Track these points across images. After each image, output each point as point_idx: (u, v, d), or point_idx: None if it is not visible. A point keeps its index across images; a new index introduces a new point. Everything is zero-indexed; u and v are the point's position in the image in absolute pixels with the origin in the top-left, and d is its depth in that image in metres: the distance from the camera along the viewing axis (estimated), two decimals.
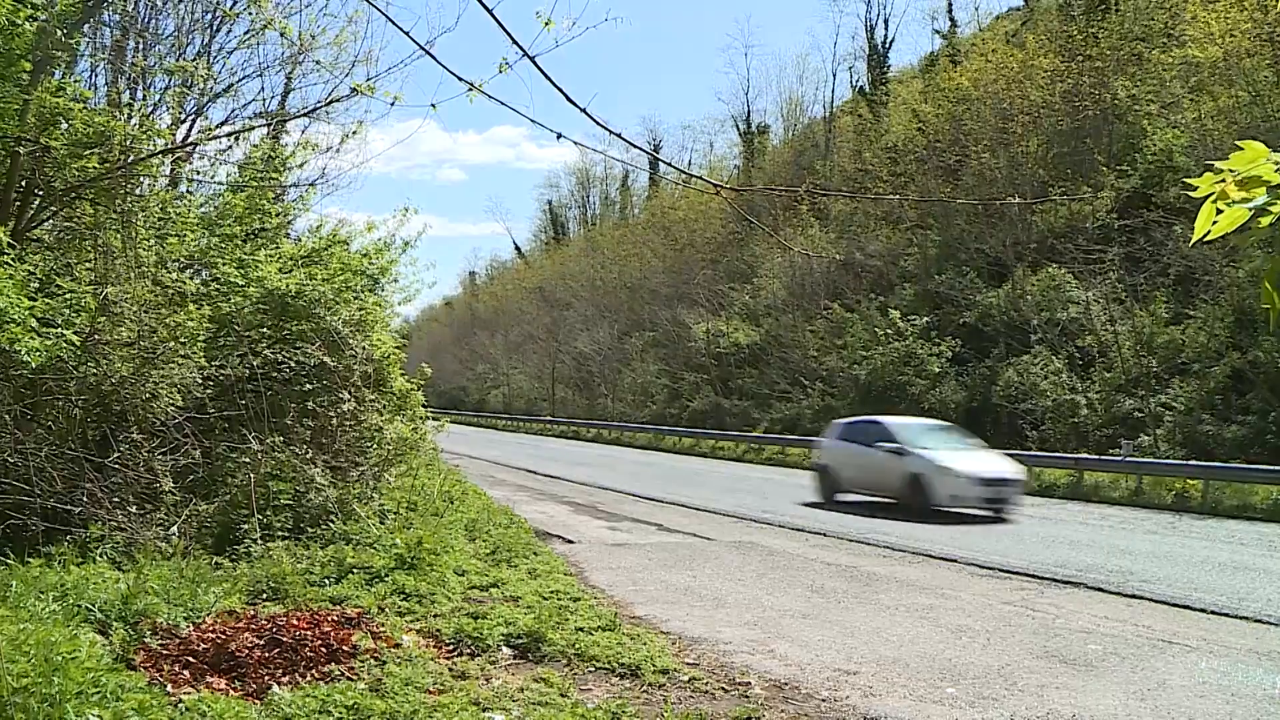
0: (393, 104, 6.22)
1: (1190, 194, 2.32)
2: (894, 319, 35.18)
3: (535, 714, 6.29)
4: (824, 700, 7.17)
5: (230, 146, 15.02)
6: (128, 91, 13.95)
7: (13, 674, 4.36)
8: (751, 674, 7.79)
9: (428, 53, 5.36)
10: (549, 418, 58.74)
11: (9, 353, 8.45)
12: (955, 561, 13.45)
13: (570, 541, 14.74)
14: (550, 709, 6.42)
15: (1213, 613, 10.43)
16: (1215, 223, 2.27)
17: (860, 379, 36.04)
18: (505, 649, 7.95)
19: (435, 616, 8.67)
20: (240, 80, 15.85)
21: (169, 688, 6.04)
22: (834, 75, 67.83)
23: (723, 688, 7.40)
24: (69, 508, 9.53)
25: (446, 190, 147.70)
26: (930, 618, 9.98)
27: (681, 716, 6.47)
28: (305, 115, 15.51)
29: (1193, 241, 2.37)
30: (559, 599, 9.70)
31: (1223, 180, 2.26)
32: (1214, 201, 2.26)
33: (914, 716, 6.83)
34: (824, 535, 15.82)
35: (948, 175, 40.03)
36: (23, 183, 11.14)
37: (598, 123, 5.00)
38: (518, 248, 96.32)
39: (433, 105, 5.43)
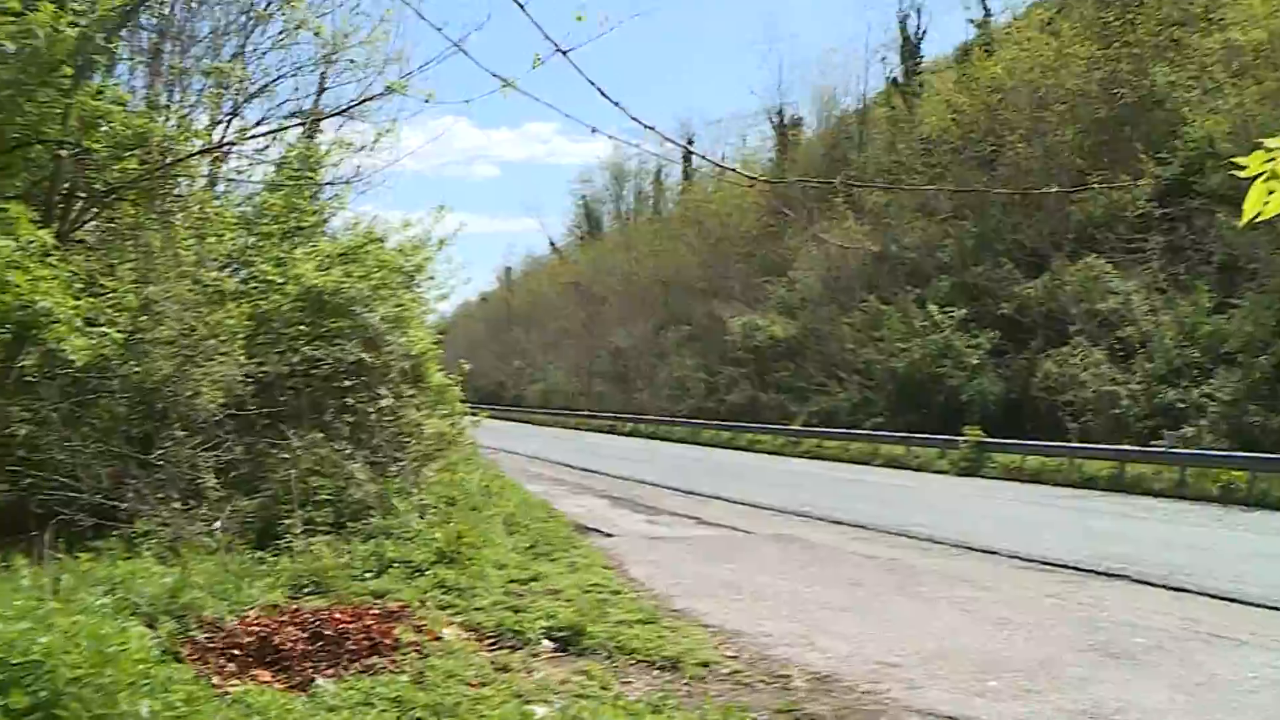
0: (427, 101, 6.26)
1: (1237, 177, 2.28)
2: (931, 311, 34.94)
3: (577, 706, 6.30)
4: (866, 693, 7.15)
5: (266, 146, 15.14)
6: (165, 93, 14.08)
7: (67, 665, 4.46)
8: (792, 667, 7.77)
9: (461, 49, 5.38)
10: (586, 412, 58.83)
11: (56, 351, 8.57)
12: (996, 554, 13.35)
13: (609, 535, 14.76)
14: (592, 701, 6.44)
15: (1262, 606, 10.25)
16: (1267, 203, 2.23)
17: (898, 371, 35.83)
18: (546, 642, 7.99)
19: (476, 610, 8.70)
20: (275, 80, 15.91)
21: (216, 680, 6.11)
22: (867, 67, 67.23)
23: (764, 681, 7.40)
24: (116, 504, 9.66)
25: (480, 186, 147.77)
26: (971, 610, 9.91)
27: (723, 709, 6.46)
28: (340, 114, 15.57)
29: (1243, 223, 2.33)
30: (599, 592, 9.73)
31: (1273, 159, 2.22)
32: (1265, 180, 2.22)
33: (957, 710, 6.79)
34: (864, 528, 15.74)
35: (983, 166, 39.62)
36: (65, 185, 11.28)
37: (632, 117, 4.99)
38: (552, 243, 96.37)
39: (467, 101, 5.50)
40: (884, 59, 54.79)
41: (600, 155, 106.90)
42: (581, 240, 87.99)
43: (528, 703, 6.37)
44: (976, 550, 13.66)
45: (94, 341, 8.54)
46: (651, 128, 5.37)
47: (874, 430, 33.95)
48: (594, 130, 5.09)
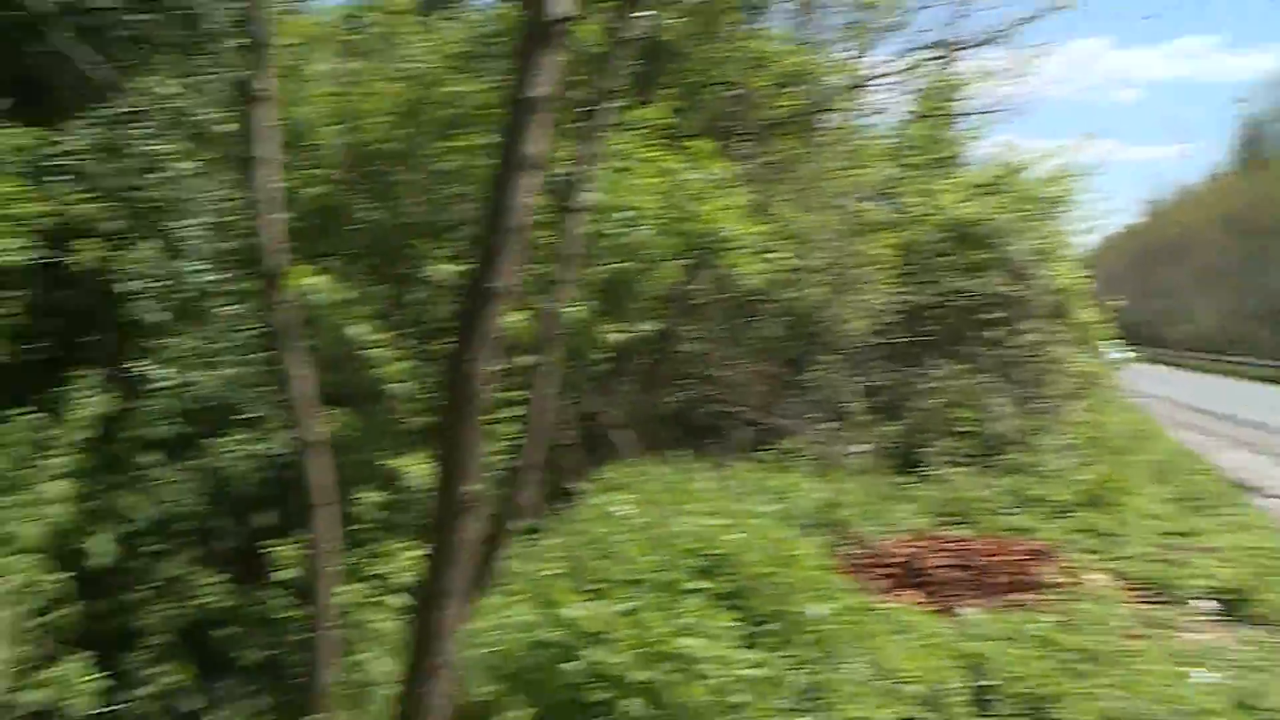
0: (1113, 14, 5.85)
1: None
2: None
3: (1251, 679, 5.70)
4: None
5: (905, 80, 15.24)
6: (811, 32, 14.64)
7: (749, 563, 4.92)
8: None
9: None
10: (1241, 359, 52.95)
11: (725, 276, 9.36)
12: None
13: (1274, 496, 13.20)
14: (1268, 675, 5.80)
15: None
16: None
17: None
18: (1204, 602, 7.36)
19: (1122, 558, 8.23)
20: (912, 12, 15.93)
21: (869, 594, 6.38)
22: None
23: None
24: (769, 420, 10.45)
25: (1120, 111, 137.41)
26: None
27: None
28: (979, 45, 15.21)
29: None
30: (1266, 556, 8.74)
31: None
32: None
33: None
34: None
35: None
36: (732, 123, 12.20)
37: None
38: (1205, 171, 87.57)
39: (1146, 18, 5.01)
40: None
41: (1266, 69, 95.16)
42: (1241, 167, 78.87)
43: (1188, 665, 5.89)
44: None
45: (765, 266, 9.17)
46: None
47: None
48: None
